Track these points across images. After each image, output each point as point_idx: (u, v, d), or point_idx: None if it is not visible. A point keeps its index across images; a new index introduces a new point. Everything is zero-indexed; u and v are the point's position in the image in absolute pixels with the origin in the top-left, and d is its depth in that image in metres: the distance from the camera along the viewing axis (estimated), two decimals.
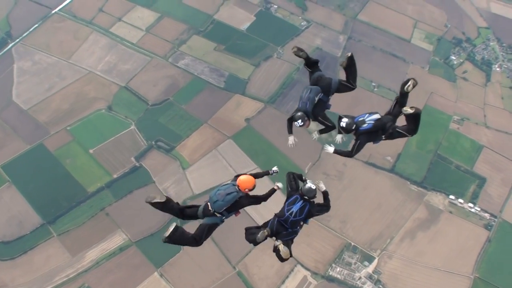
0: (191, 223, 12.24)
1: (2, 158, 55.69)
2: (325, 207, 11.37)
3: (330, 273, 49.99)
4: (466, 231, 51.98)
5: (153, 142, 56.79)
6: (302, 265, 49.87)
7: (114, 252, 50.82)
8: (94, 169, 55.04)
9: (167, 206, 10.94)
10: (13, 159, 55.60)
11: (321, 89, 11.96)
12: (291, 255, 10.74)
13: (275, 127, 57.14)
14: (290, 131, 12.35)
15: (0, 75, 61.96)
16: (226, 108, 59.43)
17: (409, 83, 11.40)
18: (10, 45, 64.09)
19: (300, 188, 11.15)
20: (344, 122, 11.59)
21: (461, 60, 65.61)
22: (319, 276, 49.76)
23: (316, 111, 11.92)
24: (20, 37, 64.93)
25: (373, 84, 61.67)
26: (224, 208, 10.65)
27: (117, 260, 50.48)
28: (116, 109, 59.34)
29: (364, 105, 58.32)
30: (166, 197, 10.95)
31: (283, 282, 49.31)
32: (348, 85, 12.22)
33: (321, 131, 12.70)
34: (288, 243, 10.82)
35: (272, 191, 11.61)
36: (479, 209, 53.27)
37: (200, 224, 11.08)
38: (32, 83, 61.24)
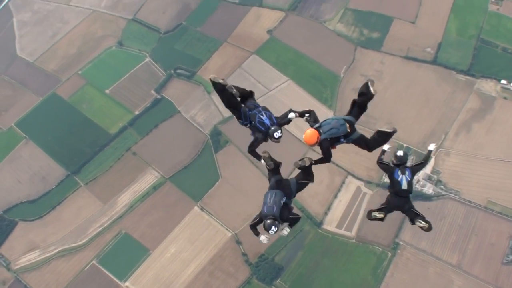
0: None
1: (15, 116, 50.00)
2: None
3: (385, 180, 42.51)
4: None
5: (172, 71, 50.72)
6: (354, 175, 43.40)
7: (147, 192, 44.80)
8: (114, 109, 49.27)
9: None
10: (26, 114, 49.90)
11: (283, 192, 10.97)
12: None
13: (301, 35, 50.73)
14: (257, 234, 10.95)
15: (0, 32, 56.18)
16: (244, 23, 52.90)
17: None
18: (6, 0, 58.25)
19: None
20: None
21: None
22: (373, 185, 43.13)
23: (284, 215, 10.69)
24: None
25: None
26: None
27: (152, 200, 44.52)
28: (127, 44, 53.35)
29: None
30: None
31: (335, 196, 42.95)
32: (307, 182, 11.41)
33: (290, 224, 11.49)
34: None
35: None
36: None
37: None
38: (34, 34, 55.56)
